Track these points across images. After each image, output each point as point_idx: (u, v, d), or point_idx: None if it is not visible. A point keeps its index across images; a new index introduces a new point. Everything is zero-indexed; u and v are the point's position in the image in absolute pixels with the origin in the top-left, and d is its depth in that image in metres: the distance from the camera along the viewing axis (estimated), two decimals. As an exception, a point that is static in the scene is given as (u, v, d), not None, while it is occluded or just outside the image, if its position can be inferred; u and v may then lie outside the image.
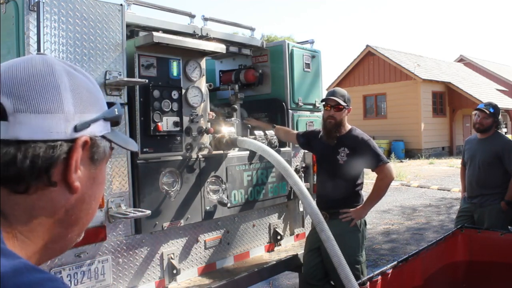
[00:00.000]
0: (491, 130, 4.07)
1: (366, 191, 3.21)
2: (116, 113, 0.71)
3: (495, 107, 4.12)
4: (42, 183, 0.59)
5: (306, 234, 3.65)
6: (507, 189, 3.91)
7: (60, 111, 0.61)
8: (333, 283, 3.17)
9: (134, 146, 0.78)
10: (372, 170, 3.16)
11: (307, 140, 3.41)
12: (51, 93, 0.61)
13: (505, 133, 22.72)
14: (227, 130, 3.16)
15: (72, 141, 0.62)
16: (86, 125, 0.63)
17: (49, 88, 0.61)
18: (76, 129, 0.62)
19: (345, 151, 3.11)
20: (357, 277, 2.78)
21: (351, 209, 3.12)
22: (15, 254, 0.52)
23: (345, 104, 3.16)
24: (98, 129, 0.66)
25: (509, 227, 4.10)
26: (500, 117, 4.13)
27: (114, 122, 0.72)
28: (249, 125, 3.59)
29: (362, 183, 3.22)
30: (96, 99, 0.68)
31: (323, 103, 3.25)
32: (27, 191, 0.58)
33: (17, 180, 0.57)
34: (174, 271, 2.84)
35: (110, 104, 0.72)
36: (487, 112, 4.03)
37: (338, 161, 3.12)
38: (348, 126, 3.23)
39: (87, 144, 0.64)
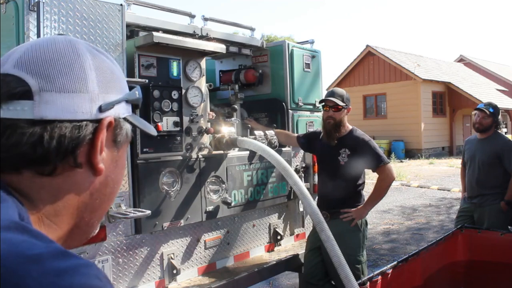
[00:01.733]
0: (490, 130, 4.07)
1: (367, 191, 3.21)
2: (137, 95, 0.70)
3: (495, 107, 4.12)
4: (68, 165, 0.58)
5: (306, 234, 3.65)
6: (507, 189, 3.92)
7: (85, 90, 0.59)
8: (333, 283, 3.18)
9: (154, 131, 0.76)
10: (373, 171, 3.16)
11: (308, 141, 3.41)
12: (76, 72, 0.59)
13: (505, 133, 22.74)
14: (227, 130, 3.16)
15: (97, 121, 0.60)
16: (110, 105, 0.62)
17: (74, 67, 0.59)
18: (101, 109, 0.60)
19: (346, 152, 3.12)
20: (358, 277, 2.78)
21: (352, 209, 3.12)
22: (48, 237, 0.50)
23: (344, 104, 3.16)
24: (121, 111, 0.65)
25: (509, 227, 4.10)
26: (499, 117, 4.14)
27: (135, 105, 0.71)
28: (249, 125, 3.59)
29: (363, 183, 3.22)
30: (118, 80, 0.66)
31: (322, 104, 3.25)
32: (53, 172, 0.57)
33: (44, 161, 0.56)
34: (174, 271, 2.84)
35: (130, 88, 0.71)
36: (487, 112, 4.03)
37: (339, 162, 3.12)
38: (349, 127, 3.23)
39: (111, 126, 0.62)
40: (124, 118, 0.66)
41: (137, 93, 0.70)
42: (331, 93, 3.21)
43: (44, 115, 0.56)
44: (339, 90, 3.29)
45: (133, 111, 0.71)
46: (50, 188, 0.58)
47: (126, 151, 0.70)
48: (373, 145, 3.14)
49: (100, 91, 0.61)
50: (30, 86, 0.56)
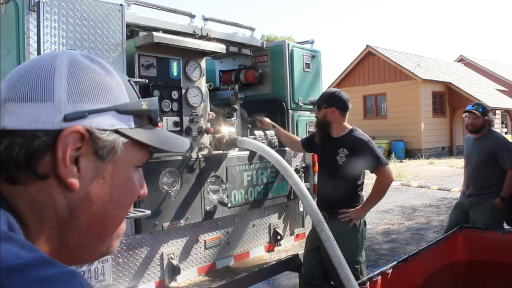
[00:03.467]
0: (483, 129, 4.08)
1: (366, 191, 3.21)
2: (144, 107, 0.65)
3: (484, 106, 4.13)
4: (30, 175, 0.56)
5: (306, 234, 3.65)
6: (503, 187, 3.92)
7: (49, 99, 0.57)
8: (332, 283, 3.18)
9: (177, 147, 0.69)
10: (371, 172, 3.16)
11: (310, 143, 3.42)
12: (42, 81, 0.58)
13: (505, 133, 22.76)
14: (227, 130, 3.16)
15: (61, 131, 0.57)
16: (81, 114, 0.58)
17: (42, 76, 0.58)
18: (66, 118, 0.57)
19: (344, 152, 3.12)
20: (357, 277, 2.78)
21: (350, 209, 3.12)
22: (34, 246, 0.50)
23: (324, 105, 3.17)
24: (106, 122, 0.60)
25: (509, 227, 4.10)
26: (490, 114, 4.14)
27: (149, 118, 0.66)
28: (249, 125, 3.59)
29: (362, 183, 3.22)
30: (105, 90, 0.61)
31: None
32: (17, 181, 0.56)
33: (3, 169, 0.56)
34: (174, 271, 2.84)
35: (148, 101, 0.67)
36: (477, 113, 4.05)
37: (337, 162, 3.12)
38: (348, 127, 3.23)
39: (85, 138, 0.58)
40: (116, 131, 0.61)
41: (145, 104, 0.65)
42: (320, 95, 3.37)
43: (6, 125, 0.56)
44: (326, 91, 3.37)
45: (152, 124, 0.67)
46: (26, 198, 0.56)
47: (125, 167, 0.64)
48: (372, 146, 3.13)
49: (69, 100, 0.58)
50: (0, 97, 0.57)
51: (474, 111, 4.06)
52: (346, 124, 3.22)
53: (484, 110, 4.08)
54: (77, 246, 0.61)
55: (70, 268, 0.48)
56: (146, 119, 0.66)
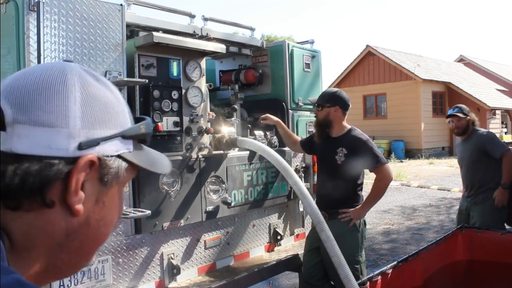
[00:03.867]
0: (468, 129, 4.22)
1: (366, 191, 3.21)
2: (143, 131, 0.65)
3: (463, 108, 4.29)
4: (36, 202, 0.54)
5: (306, 234, 3.65)
6: (499, 181, 3.97)
7: (64, 125, 0.55)
8: (332, 283, 3.18)
9: (163, 168, 0.69)
10: (370, 171, 3.16)
11: (309, 144, 3.42)
12: (56, 105, 0.55)
13: (505, 133, 22.75)
14: (227, 130, 3.16)
15: (75, 160, 0.55)
16: (94, 142, 0.57)
17: (55, 99, 0.55)
18: (80, 146, 0.56)
19: (343, 151, 3.12)
20: (357, 277, 2.78)
21: (350, 209, 3.12)
22: (10, 269, 0.49)
23: (327, 104, 3.17)
24: (113, 148, 0.60)
25: (509, 227, 4.10)
26: (472, 114, 4.27)
27: (141, 139, 0.66)
28: (249, 125, 3.59)
29: (362, 183, 3.22)
30: (114, 115, 0.61)
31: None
32: (18, 208, 0.54)
33: (8, 196, 0.53)
34: (174, 271, 2.84)
35: (138, 120, 0.66)
36: (459, 114, 4.20)
37: (336, 161, 3.12)
38: (346, 126, 3.23)
39: (95, 165, 0.57)
40: (119, 156, 0.61)
41: (144, 127, 0.65)
42: (320, 95, 3.33)
43: (14, 148, 0.53)
44: (327, 90, 3.38)
45: (142, 142, 0.67)
46: (22, 223, 0.54)
47: (120, 190, 0.64)
48: (371, 145, 3.13)
49: (83, 127, 0.57)
50: (5, 116, 0.53)
51: (455, 114, 4.22)
52: (345, 123, 3.22)
53: (465, 110, 4.24)
54: (64, 266, 0.60)
55: None
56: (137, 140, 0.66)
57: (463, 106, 4.36)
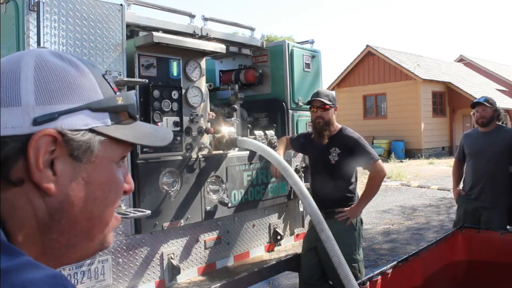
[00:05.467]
0: (493, 121, 4.01)
1: (361, 189, 3.23)
2: (121, 102, 0.63)
3: (489, 98, 4.08)
4: (5, 180, 0.55)
5: (306, 234, 3.65)
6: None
7: (16, 103, 0.55)
8: (331, 283, 3.18)
9: (155, 141, 0.67)
10: (364, 168, 3.20)
11: (299, 142, 3.42)
12: (7, 85, 0.56)
13: (505, 133, 22.72)
14: (227, 130, 3.16)
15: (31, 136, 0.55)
16: (51, 117, 0.56)
17: (7, 80, 0.57)
18: (35, 122, 0.56)
19: (336, 151, 3.14)
20: (355, 276, 2.79)
21: (346, 208, 3.14)
22: (18, 250, 0.50)
23: (331, 103, 3.18)
24: (79, 121, 0.58)
25: (509, 227, 4.08)
26: (498, 106, 4.07)
27: (128, 113, 0.64)
28: (249, 125, 3.59)
29: (356, 181, 3.24)
30: (75, 89, 0.59)
31: (309, 105, 3.28)
32: None
33: None
34: (174, 271, 2.84)
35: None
36: (486, 104, 3.98)
37: (330, 161, 3.14)
38: (338, 126, 3.26)
39: (58, 140, 0.57)
40: (91, 129, 0.59)
41: (121, 99, 0.63)
42: (316, 94, 3.25)
43: None
44: (324, 90, 3.36)
45: (133, 118, 0.66)
46: (5, 203, 0.55)
47: (106, 166, 0.62)
48: (363, 143, 3.16)
49: (37, 103, 0.56)
50: None
51: (482, 102, 4.00)
52: (337, 123, 3.26)
53: (491, 100, 4.04)
54: (63, 247, 0.60)
55: (53, 270, 0.48)
56: (126, 115, 0.65)
57: (490, 97, 4.14)
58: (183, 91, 2.89)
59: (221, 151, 3.14)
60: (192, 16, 3.24)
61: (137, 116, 0.69)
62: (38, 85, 0.57)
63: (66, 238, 0.60)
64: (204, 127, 3.00)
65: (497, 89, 25.05)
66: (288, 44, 3.78)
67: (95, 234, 0.63)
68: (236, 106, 3.39)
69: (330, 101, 3.19)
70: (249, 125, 3.58)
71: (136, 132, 0.65)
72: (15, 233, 0.56)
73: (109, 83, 0.65)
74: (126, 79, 2.50)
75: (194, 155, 2.95)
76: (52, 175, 0.57)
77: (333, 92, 3.59)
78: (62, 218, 0.58)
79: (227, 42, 3.51)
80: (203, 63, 3.08)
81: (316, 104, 3.20)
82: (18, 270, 0.45)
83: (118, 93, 0.66)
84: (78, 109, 0.59)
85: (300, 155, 3.82)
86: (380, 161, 3.16)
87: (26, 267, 0.46)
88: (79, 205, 0.59)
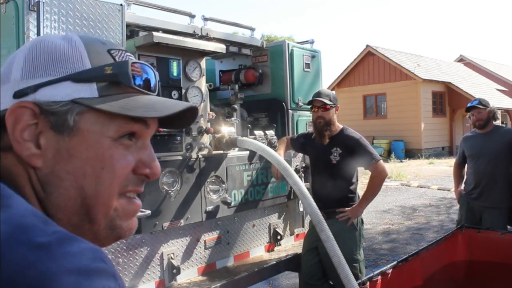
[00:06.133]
0: (490, 122, 4.04)
1: (362, 189, 3.23)
2: (109, 71, 0.59)
3: (481, 100, 4.12)
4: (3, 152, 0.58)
5: (306, 234, 3.65)
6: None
7: (8, 80, 0.59)
8: (331, 283, 3.18)
9: (149, 112, 0.60)
10: (365, 168, 3.20)
11: (300, 143, 3.42)
12: (7, 65, 0.60)
13: (505, 133, 22.73)
14: (227, 130, 3.16)
15: None
16: (28, 90, 0.57)
17: (9, 61, 0.61)
18: (15, 95, 0.57)
19: (337, 151, 3.14)
20: (355, 276, 2.79)
21: (347, 208, 3.14)
22: (53, 222, 0.50)
23: (332, 103, 3.18)
24: (59, 93, 0.57)
25: (509, 227, 4.08)
26: (492, 106, 4.10)
27: (124, 86, 0.61)
28: (249, 125, 3.59)
29: (357, 181, 3.24)
30: (61, 61, 0.59)
31: (310, 105, 3.28)
32: None
33: None
34: (174, 271, 2.84)
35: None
36: (479, 106, 4.01)
37: (331, 161, 3.14)
38: (339, 126, 3.26)
39: (35, 112, 0.56)
40: (73, 101, 0.57)
41: (110, 68, 0.59)
42: (317, 94, 3.24)
43: None
44: (325, 90, 3.35)
45: (137, 91, 0.62)
46: (5, 169, 0.57)
47: (97, 138, 0.59)
48: (364, 143, 3.16)
49: (22, 78, 0.58)
50: None
51: (476, 105, 4.03)
52: (338, 123, 3.26)
53: (484, 102, 4.07)
54: (67, 226, 0.57)
55: (91, 244, 0.49)
56: (124, 87, 0.61)
57: (483, 98, 4.18)
58: (183, 91, 2.89)
59: (221, 151, 3.14)
60: (192, 16, 3.24)
61: (152, 89, 0.65)
62: (27, 61, 0.59)
63: (66, 215, 0.58)
64: (204, 127, 3.00)
65: (497, 89, 25.05)
66: (288, 44, 3.78)
67: (96, 215, 0.59)
68: (236, 106, 3.39)
69: (331, 101, 3.19)
70: (249, 125, 3.57)
71: (129, 103, 0.60)
72: (28, 196, 0.57)
73: (114, 57, 0.62)
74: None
75: (194, 155, 2.95)
76: (36, 148, 0.57)
77: (334, 92, 3.61)
78: (53, 191, 0.58)
79: (227, 42, 3.51)
80: (203, 63, 3.08)
81: (317, 104, 3.19)
82: (59, 243, 0.46)
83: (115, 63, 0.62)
84: (57, 81, 0.58)
85: (300, 155, 3.82)
86: (381, 161, 3.16)
87: (66, 240, 0.47)
88: (67, 179, 0.58)
